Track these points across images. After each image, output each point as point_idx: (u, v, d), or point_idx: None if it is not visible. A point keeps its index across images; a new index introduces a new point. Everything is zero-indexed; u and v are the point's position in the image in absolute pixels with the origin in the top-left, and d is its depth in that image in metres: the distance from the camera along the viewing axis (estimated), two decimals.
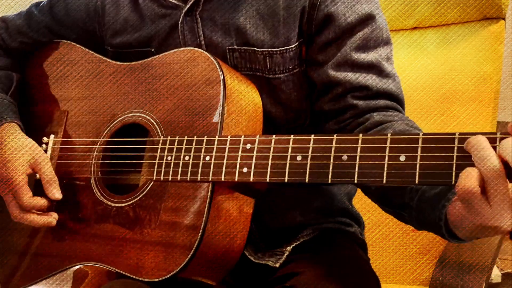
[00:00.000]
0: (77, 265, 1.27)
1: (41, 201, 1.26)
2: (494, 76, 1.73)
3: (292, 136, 1.00)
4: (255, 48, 1.24)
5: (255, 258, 1.28)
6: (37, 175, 1.29)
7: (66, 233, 1.30)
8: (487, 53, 1.74)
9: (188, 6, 1.27)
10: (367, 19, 1.21)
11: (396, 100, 1.21)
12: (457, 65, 1.76)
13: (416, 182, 0.83)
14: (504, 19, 1.76)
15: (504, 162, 0.78)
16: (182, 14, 1.28)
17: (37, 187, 1.30)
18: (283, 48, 1.23)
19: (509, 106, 2.27)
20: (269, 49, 1.23)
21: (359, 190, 1.29)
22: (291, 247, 1.31)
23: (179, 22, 1.28)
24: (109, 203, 1.24)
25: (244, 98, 1.19)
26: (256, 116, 1.20)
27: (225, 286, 1.29)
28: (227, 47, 1.25)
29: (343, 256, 1.29)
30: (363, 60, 1.20)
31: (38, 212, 1.27)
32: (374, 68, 1.20)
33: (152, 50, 1.32)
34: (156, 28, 1.32)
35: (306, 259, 1.25)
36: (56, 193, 1.27)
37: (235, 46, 1.25)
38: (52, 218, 1.27)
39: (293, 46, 1.23)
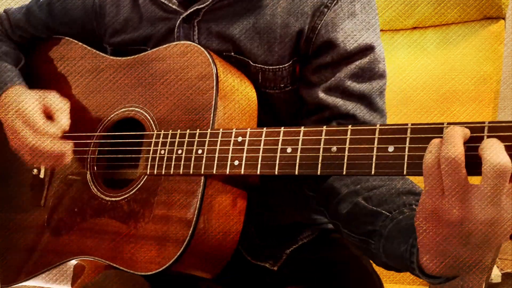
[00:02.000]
0: (73, 259, 1.27)
1: (54, 127, 1.26)
2: (494, 76, 1.72)
3: (282, 128, 1.00)
4: (249, 61, 1.23)
5: (253, 259, 1.28)
6: (42, 171, 1.31)
7: (62, 228, 1.31)
8: (487, 53, 1.74)
9: (187, 13, 1.26)
10: (366, 49, 1.19)
11: None
12: (457, 65, 1.75)
13: (404, 172, 0.82)
14: (504, 19, 1.75)
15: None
16: (180, 20, 1.28)
17: (34, 185, 1.33)
18: (276, 67, 1.22)
19: (509, 106, 2.26)
20: (262, 66, 1.22)
21: None
22: (290, 250, 1.31)
23: (176, 27, 1.29)
24: (105, 197, 1.25)
25: (238, 92, 1.18)
26: (250, 110, 1.20)
27: (224, 287, 1.29)
28: (224, 53, 1.24)
29: (344, 256, 1.29)
30: (355, 89, 1.19)
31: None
32: (365, 100, 1.19)
33: (148, 49, 1.32)
34: (153, 30, 1.33)
35: (305, 262, 1.26)
36: (64, 117, 1.28)
37: (232, 53, 1.24)
38: (68, 146, 1.26)
39: (286, 65, 1.22)
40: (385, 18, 1.84)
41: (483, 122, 0.78)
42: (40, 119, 1.26)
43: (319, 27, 1.19)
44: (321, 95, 1.19)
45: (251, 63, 1.23)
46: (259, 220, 1.30)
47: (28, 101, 1.28)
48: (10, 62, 1.42)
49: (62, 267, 1.30)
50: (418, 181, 0.98)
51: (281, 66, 1.22)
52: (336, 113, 1.18)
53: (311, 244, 1.33)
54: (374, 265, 1.34)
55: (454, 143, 0.77)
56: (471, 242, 0.78)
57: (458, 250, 0.80)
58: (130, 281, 1.13)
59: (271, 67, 1.22)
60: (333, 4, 1.19)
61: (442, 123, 0.80)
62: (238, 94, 1.18)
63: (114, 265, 1.18)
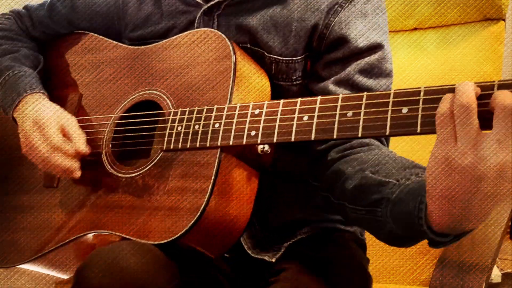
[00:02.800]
0: (85, 234, 1.29)
1: (68, 145, 1.31)
2: (494, 76, 1.75)
3: (299, 98, 1.04)
4: (264, 52, 1.29)
5: (253, 252, 1.31)
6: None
7: (76, 206, 1.33)
8: (487, 54, 1.77)
9: (208, 5, 1.32)
10: (376, 48, 1.26)
11: None
12: (457, 65, 1.79)
13: (418, 130, 0.86)
14: (504, 19, 1.79)
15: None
16: (201, 11, 1.33)
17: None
18: (289, 58, 1.28)
19: None
20: (277, 57, 1.28)
21: None
22: (288, 243, 1.33)
23: (196, 18, 1.34)
24: (119, 174, 1.27)
25: (254, 76, 1.23)
26: (264, 92, 1.25)
27: (225, 278, 1.32)
28: (240, 45, 1.29)
29: (337, 255, 1.31)
30: (363, 83, 1.25)
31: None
32: None
33: None
34: (174, 23, 1.38)
35: (300, 255, 1.28)
36: (84, 147, 1.32)
37: (248, 45, 1.30)
38: (76, 165, 1.31)
39: (299, 58, 1.28)
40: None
41: (493, 81, 0.81)
42: (57, 134, 1.31)
43: (332, 24, 1.25)
44: (331, 86, 1.25)
45: (266, 54, 1.29)
46: (264, 218, 1.32)
47: (48, 114, 1.33)
48: (29, 65, 1.46)
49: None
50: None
51: (294, 59, 1.28)
52: None
53: (310, 240, 1.35)
54: (370, 267, 1.38)
55: (467, 93, 0.81)
56: (481, 190, 0.81)
57: (467, 198, 0.82)
58: (143, 250, 1.13)
59: (285, 58, 1.28)
60: (347, 4, 1.26)
61: (454, 85, 0.84)
62: (254, 78, 1.23)
63: (128, 236, 1.20)
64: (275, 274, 1.22)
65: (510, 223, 1.52)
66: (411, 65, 1.85)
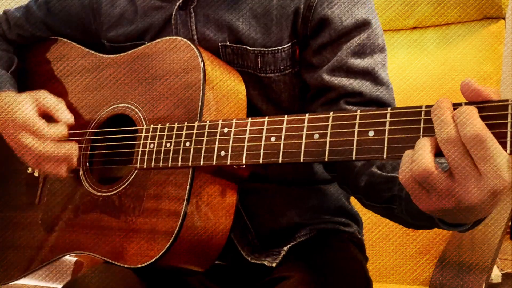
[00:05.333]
0: (66, 255, 1.27)
1: (59, 128, 1.25)
2: (494, 76, 1.72)
3: (266, 118, 1.00)
4: (247, 47, 1.23)
5: (252, 258, 1.28)
6: (29, 169, 1.30)
7: (56, 224, 1.31)
8: (487, 53, 1.73)
9: None
10: (363, 24, 1.20)
11: None
12: (457, 65, 1.75)
13: (384, 156, 0.82)
14: (504, 18, 1.75)
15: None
16: (176, 7, 1.28)
17: (29, 184, 1.34)
18: (274, 48, 1.22)
19: None
20: (261, 49, 1.23)
21: None
22: (288, 247, 1.30)
23: (173, 15, 1.29)
24: (96, 193, 1.25)
25: (226, 85, 1.19)
26: (238, 103, 1.20)
27: (222, 286, 1.30)
28: (219, 43, 1.25)
29: (336, 258, 1.28)
30: (359, 66, 1.19)
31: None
32: (369, 75, 1.19)
33: (146, 43, 1.32)
34: (150, 21, 1.33)
35: (300, 261, 1.25)
36: (68, 116, 1.27)
37: (228, 43, 1.25)
38: (76, 145, 1.25)
39: (285, 46, 1.22)
40: (385, 18, 1.84)
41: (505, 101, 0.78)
42: (39, 123, 1.25)
43: (314, 5, 1.19)
44: (325, 76, 1.19)
45: (249, 48, 1.23)
46: (258, 222, 1.30)
47: (23, 106, 1.27)
48: (1, 66, 1.43)
49: (58, 264, 1.31)
50: None
51: (279, 48, 1.22)
52: (343, 92, 1.18)
53: (309, 242, 1.32)
54: (370, 267, 1.34)
55: (473, 120, 0.77)
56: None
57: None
58: (120, 275, 1.12)
59: (269, 49, 1.22)
60: None
61: (421, 106, 0.80)
62: (226, 86, 1.19)
63: (105, 259, 1.18)
64: (276, 283, 1.19)
65: (510, 223, 1.56)
66: (411, 64, 1.82)
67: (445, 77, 1.76)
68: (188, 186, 1.09)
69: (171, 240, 1.09)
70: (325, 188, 1.38)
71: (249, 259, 1.27)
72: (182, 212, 1.09)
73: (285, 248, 1.29)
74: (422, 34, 1.84)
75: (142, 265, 1.12)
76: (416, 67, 1.81)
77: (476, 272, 1.34)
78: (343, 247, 1.34)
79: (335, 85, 1.18)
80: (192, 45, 1.19)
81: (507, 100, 0.77)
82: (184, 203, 1.09)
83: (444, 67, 1.77)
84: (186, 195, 1.09)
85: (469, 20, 1.77)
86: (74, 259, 1.31)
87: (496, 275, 2.51)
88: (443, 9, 1.79)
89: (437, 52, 1.80)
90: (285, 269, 1.23)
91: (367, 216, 1.58)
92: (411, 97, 1.77)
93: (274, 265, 1.26)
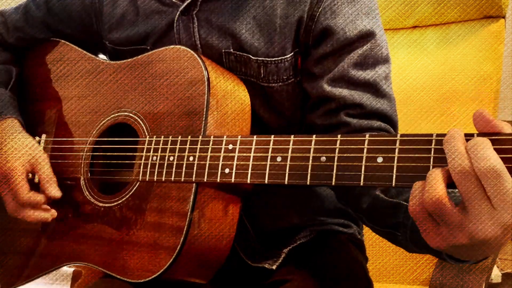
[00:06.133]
0: (67, 264, 1.27)
1: (38, 197, 1.24)
2: (494, 76, 1.71)
3: (272, 136, 0.99)
4: (250, 56, 1.22)
5: (253, 261, 1.27)
6: (36, 177, 1.29)
7: (57, 233, 1.30)
8: (487, 53, 1.73)
9: (184, 4, 1.25)
10: (367, 35, 1.18)
11: (389, 121, 1.19)
12: (457, 65, 1.75)
13: (393, 184, 0.81)
14: (504, 18, 1.74)
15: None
16: (178, 13, 1.26)
17: (32, 188, 1.30)
18: (277, 58, 1.20)
19: (509, 106, 2.26)
20: (264, 58, 1.21)
21: None
22: (288, 249, 1.30)
23: (175, 20, 1.27)
24: (98, 203, 1.24)
25: (230, 97, 1.17)
26: (243, 115, 1.19)
27: None
28: (223, 50, 1.23)
29: (336, 260, 1.28)
30: (360, 78, 1.17)
31: (34, 208, 1.26)
32: (371, 87, 1.17)
33: (148, 48, 1.31)
34: (152, 25, 1.31)
35: (301, 263, 1.24)
36: (55, 192, 1.25)
37: (231, 50, 1.23)
38: (48, 214, 1.25)
39: (288, 56, 1.20)
40: (385, 18, 1.83)
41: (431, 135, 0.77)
42: (24, 190, 1.25)
43: (317, 15, 1.17)
44: (326, 87, 1.17)
45: (252, 57, 1.21)
46: (258, 224, 1.29)
47: (18, 159, 1.26)
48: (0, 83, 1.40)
49: (59, 271, 1.30)
50: None
51: (282, 58, 1.20)
52: (343, 103, 1.17)
53: (309, 244, 1.32)
54: (370, 267, 1.34)
55: (489, 153, 0.75)
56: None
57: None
58: None
59: (272, 59, 1.21)
60: None
61: (431, 134, 0.78)
62: (231, 98, 1.17)
63: (107, 271, 1.17)
64: (277, 286, 1.19)
65: None
66: (411, 64, 1.82)
67: (445, 77, 1.75)
68: (191, 202, 1.08)
69: (173, 256, 1.08)
70: (324, 189, 1.37)
71: (250, 262, 1.27)
72: (185, 227, 1.08)
73: (285, 251, 1.29)
74: (422, 34, 1.84)
75: (143, 280, 1.11)
76: (416, 67, 1.80)
77: (476, 272, 1.34)
78: (343, 248, 1.33)
79: (335, 96, 1.17)
80: (197, 56, 1.17)
81: None
82: (188, 218, 1.08)
83: (444, 67, 1.77)
84: (189, 211, 1.08)
85: (469, 20, 1.77)
86: (70, 267, 1.30)
87: (496, 275, 2.52)
88: (443, 8, 1.78)
89: (437, 52, 1.79)
90: (285, 271, 1.22)
91: None
92: (411, 97, 1.76)
93: (274, 267, 1.26)
